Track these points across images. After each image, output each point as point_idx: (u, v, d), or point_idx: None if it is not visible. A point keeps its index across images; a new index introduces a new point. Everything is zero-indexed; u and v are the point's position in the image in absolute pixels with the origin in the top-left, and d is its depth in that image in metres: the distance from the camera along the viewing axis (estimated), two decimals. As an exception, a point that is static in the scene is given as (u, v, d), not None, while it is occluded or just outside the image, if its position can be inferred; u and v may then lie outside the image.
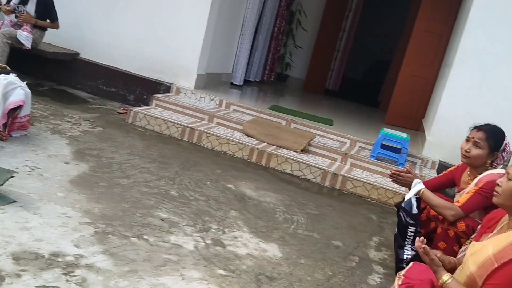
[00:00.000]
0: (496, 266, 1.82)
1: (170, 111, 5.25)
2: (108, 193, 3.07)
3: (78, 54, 5.95)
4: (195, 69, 5.69)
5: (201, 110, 5.22)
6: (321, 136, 5.28)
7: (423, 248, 2.01)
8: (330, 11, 8.63)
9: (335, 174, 4.47)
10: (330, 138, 5.29)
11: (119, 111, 5.36)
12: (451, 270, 2.08)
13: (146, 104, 5.54)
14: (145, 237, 2.61)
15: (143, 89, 5.77)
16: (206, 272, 2.42)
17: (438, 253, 2.09)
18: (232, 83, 7.02)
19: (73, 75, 5.96)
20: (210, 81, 6.11)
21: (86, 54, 5.95)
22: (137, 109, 5.03)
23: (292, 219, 3.45)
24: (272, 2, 7.63)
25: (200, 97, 5.64)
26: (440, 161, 4.99)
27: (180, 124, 4.84)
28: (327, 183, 4.49)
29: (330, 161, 4.83)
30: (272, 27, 7.90)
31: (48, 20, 5.37)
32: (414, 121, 6.62)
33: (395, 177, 3.10)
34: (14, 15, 5.17)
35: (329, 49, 8.98)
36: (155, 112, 5.06)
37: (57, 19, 5.39)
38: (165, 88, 5.71)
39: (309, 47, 8.87)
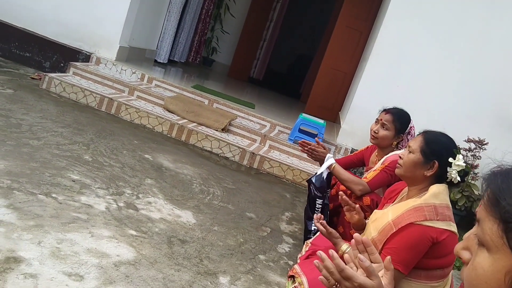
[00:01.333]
0: (394, 230, 1.96)
1: (89, 80, 5.03)
2: (15, 152, 2.90)
3: (-11, 13, 5.53)
4: (118, 40, 5.50)
5: (121, 82, 5.06)
6: (242, 117, 5.34)
7: (321, 223, 2.13)
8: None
9: (253, 153, 4.56)
10: (251, 120, 5.37)
11: (32, 76, 5.05)
12: None
13: (63, 72, 5.27)
14: (53, 195, 2.51)
15: (60, 56, 5.47)
16: (116, 231, 2.37)
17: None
18: (156, 61, 6.87)
19: (-18, 36, 5.53)
20: (132, 55, 5.93)
21: (-2, 14, 5.55)
22: (52, 74, 4.77)
23: (209, 191, 3.47)
24: (201, -17, 7.57)
25: (122, 69, 5.46)
26: (352, 148, 5.25)
27: (98, 94, 4.66)
28: (245, 162, 4.56)
29: (249, 141, 4.91)
30: (200, 9, 7.83)
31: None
32: (332, 113, 6.89)
33: (311, 152, 3.20)
34: None
35: (256, 38, 9.08)
36: (72, 80, 4.83)
37: None
38: (84, 57, 5.46)
39: (236, 34, 8.90)
